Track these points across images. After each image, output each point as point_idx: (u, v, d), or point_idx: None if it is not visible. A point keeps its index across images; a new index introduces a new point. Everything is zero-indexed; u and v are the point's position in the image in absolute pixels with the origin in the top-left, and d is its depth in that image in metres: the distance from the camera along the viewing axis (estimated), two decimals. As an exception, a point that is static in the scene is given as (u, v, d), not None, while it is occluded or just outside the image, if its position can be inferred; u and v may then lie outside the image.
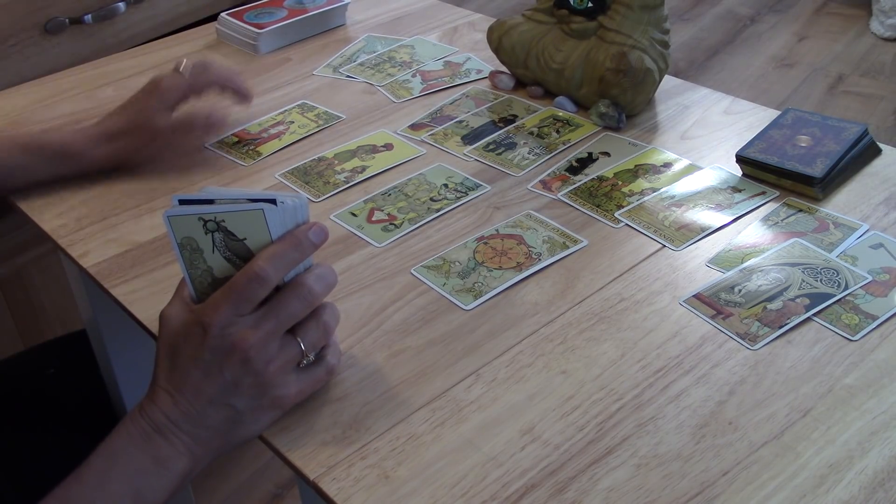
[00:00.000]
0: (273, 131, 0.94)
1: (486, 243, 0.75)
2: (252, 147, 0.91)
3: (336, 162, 0.88)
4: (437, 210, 0.80)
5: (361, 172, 0.86)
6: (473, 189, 0.82)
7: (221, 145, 0.92)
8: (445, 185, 0.83)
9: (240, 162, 0.90)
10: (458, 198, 0.81)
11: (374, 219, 0.79)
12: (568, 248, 0.74)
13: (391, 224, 0.78)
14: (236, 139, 0.93)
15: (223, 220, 0.55)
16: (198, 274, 0.57)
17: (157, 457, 0.54)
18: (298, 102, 1.00)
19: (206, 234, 0.55)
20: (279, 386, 0.55)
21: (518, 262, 0.72)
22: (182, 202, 0.56)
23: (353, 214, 0.80)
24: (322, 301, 0.57)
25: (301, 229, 0.56)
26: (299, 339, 0.56)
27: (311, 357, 0.57)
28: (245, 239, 0.56)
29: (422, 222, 0.78)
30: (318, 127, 0.95)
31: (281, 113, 0.98)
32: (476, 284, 0.70)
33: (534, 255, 0.73)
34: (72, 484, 0.54)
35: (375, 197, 0.82)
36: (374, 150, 0.90)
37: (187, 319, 0.55)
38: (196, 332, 0.54)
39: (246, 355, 0.53)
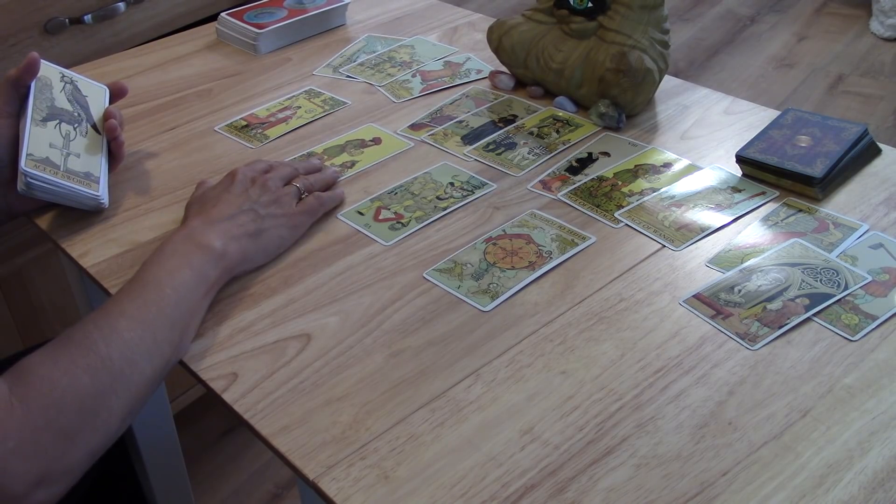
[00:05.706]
0: (280, 115, 0.96)
1: (494, 244, 0.75)
2: (260, 130, 0.93)
3: (325, 157, 0.88)
4: (444, 209, 0.80)
5: (351, 167, 0.86)
6: (479, 187, 0.82)
7: (231, 129, 0.94)
8: (451, 184, 0.83)
9: (248, 144, 0.91)
10: (465, 196, 0.81)
11: (380, 217, 0.79)
12: (577, 244, 0.74)
13: (398, 223, 0.78)
14: (245, 123, 0.95)
15: (77, 81, 0.86)
16: (39, 100, 0.80)
17: (200, 243, 0.69)
18: (305, 88, 1.01)
19: (60, 82, 0.84)
20: (286, 203, 0.76)
21: (530, 262, 0.72)
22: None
23: (360, 213, 0.80)
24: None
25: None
26: (296, 184, 0.79)
27: (305, 194, 0.79)
28: (87, 97, 0.85)
29: (429, 220, 0.78)
30: (323, 112, 0.97)
31: (288, 98, 1.00)
32: (491, 286, 0.70)
33: (545, 254, 0.73)
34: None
35: (382, 196, 0.82)
36: (362, 144, 0.90)
37: (213, 184, 0.78)
38: (225, 180, 0.77)
39: (265, 183, 0.77)
